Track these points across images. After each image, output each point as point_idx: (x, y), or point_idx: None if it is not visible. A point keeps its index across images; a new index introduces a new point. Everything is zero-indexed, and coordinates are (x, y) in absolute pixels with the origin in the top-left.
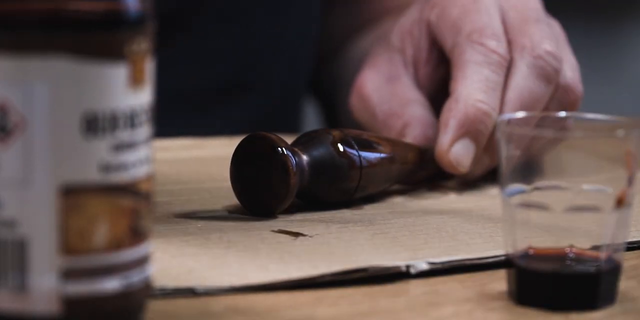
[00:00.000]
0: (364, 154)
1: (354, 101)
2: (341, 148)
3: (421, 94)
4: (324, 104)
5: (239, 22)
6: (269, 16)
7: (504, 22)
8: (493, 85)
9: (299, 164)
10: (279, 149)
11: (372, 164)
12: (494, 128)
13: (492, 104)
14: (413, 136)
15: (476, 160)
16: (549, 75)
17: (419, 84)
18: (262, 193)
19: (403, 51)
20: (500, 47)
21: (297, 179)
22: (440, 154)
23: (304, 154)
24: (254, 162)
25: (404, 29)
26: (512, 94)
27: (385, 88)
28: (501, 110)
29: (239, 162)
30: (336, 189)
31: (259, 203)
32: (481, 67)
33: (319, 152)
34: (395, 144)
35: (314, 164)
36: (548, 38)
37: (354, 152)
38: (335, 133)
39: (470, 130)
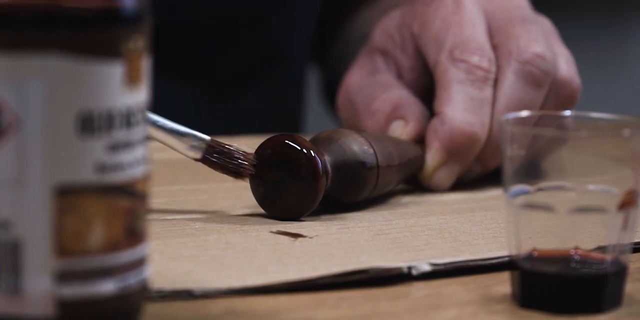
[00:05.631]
0: (379, 153)
1: (339, 99)
2: (359, 148)
3: (404, 86)
4: (328, 81)
5: (247, 28)
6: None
7: (490, 26)
8: (479, 103)
9: (325, 166)
10: (307, 152)
11: (387, 164)
12: (488, 140)
13: (479, 123)
14: (414, 116)
15: (465, 171)
16: (538, 79)
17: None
18: (288, 197)
19: (385, 52)
20: (484, 61)
21: (324, 182)
22: (424, 176)
23: (326, 155)
24: (279, 165)
25: (386, 31)
26: (500, 105)
27: (366, 79)
28: (492, 124)
29: (262, 165)
30: (354, 189)
31: (283, 207)
32: (465, 86)
33: (339, 153)
34: (403, 142)
35: (335, 165)
36: (535, 39)
37: (372, 151)
38: (352, 133)
39: (455, 153)
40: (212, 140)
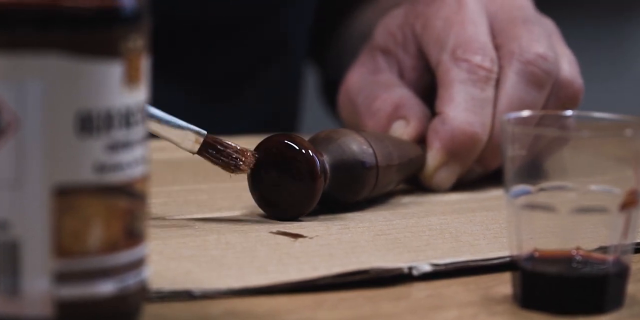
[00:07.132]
0: (379, 153)
1: (340, 99)
2: (359, 148)
3: (405, 86)
4: (326, 81)
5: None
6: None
7: (492, 26)
8: (480, 103)
9: (323, 166)
10: (306, 151)
11: (387, 163)
12: (489, 140)
13: (481, 123)
14: (416, 116)
15: (466, 171)
16: (540, 79)
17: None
18: (286, 197)
19: (387, 51)
20: (486, 61)
21: (322, 182)
22: (425, 176)
23: (324, 155)
24: (277, 164)
25: (388, 30)
26: (502, 105)
27: (367, 78)
28: (493, 124)
29: (260, 164)
30: (353, 189)
31: (281, 207)
32: (466, 86)
33: (338, 152)
34: (404, 142)
35: (333, 165)
36: (538, 40)
37: (371, 151)
38: (351, 132)
39: (456, 153)
40: (208, 136)
